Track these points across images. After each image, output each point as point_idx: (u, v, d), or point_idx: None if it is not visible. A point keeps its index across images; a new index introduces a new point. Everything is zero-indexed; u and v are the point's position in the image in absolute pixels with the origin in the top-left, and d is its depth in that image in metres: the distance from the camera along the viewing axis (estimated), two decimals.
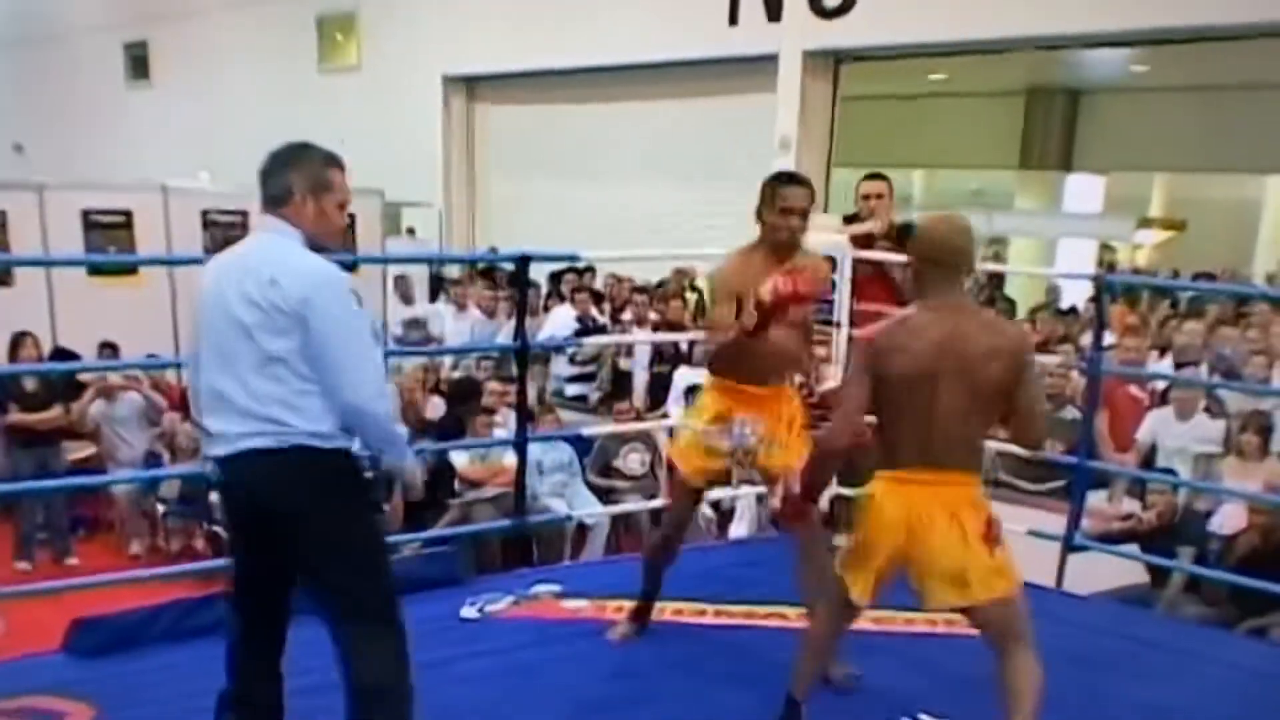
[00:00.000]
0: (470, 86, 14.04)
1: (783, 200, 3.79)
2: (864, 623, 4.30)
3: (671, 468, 4.14)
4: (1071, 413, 6.40)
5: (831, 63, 10.82)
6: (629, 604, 4.45)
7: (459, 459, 6.65)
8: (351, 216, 11.20)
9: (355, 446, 2.90)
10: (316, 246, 2.89)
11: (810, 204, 3.83)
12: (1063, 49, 10.75)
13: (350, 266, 10.08)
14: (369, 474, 3.00)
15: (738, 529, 6.77)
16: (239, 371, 2.79)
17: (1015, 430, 3.18)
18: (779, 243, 3.79)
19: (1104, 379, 5.22)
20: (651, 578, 4.17)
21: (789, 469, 3.74)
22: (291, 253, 2.83)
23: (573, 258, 7.25)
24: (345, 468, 2.88)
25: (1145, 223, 15.29)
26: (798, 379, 4.20)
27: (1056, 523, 5.06)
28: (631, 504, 6.82)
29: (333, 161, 2.93)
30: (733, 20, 10.95)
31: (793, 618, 4.34)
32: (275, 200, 2.88)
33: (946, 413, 3.00)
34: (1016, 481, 6.32)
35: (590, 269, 10.30)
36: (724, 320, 3.70)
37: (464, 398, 7.45)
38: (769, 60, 10.67)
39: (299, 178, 2.87)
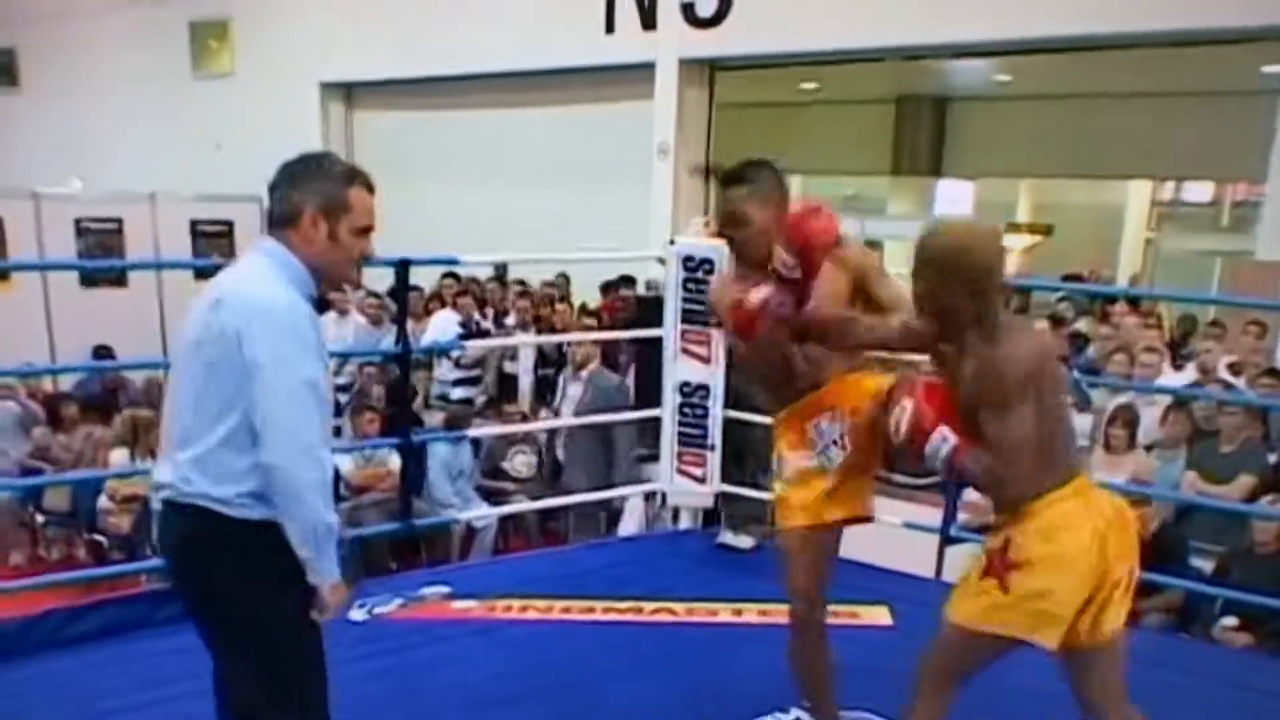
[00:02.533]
0: (348, 93, 13.93)
1: (720, 210, 3.09)
2: (751, 616, 4.44)
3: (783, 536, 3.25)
4: None
5: (707, 71, 10.98)
6: (518, 603, 4.51)
7: (343, 464, 6.61)
8: (230, 223, 11.15)
9: (263, 515, 2.41)
10: (323, 278, 2.51)
11: (748, 205, 3.00)
12: (929, 59, 11.05)
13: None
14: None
15: (626, 526, 6.84)
16: (176, 409, 2.45)
17: None
18: (739, 258, 3.14)
19: None
20: (821, 685, 3.36)
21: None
22: (254, 277, 2.43)
23: (453, 262, 7.27)
24: (251, 542, 2.40)
25: (1013, 227, 15.76)
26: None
27: (934, 515, 5.21)
28: (519, 505, 6.86)
29: (354, 178, 2.49)
30: (609, 29, 11.03)
31: (680, 613, 4.44)
32: (280, 220, 2.46)
33: (1067, 414, 2.85)
34: (893, 475, 6.47)
35: (475, 279, 10.29)
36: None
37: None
38: (646, 68, 10.79)
39: (310, 196, 2.44)
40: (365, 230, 2.50)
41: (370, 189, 2.51)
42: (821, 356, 3.11)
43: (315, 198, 2.43)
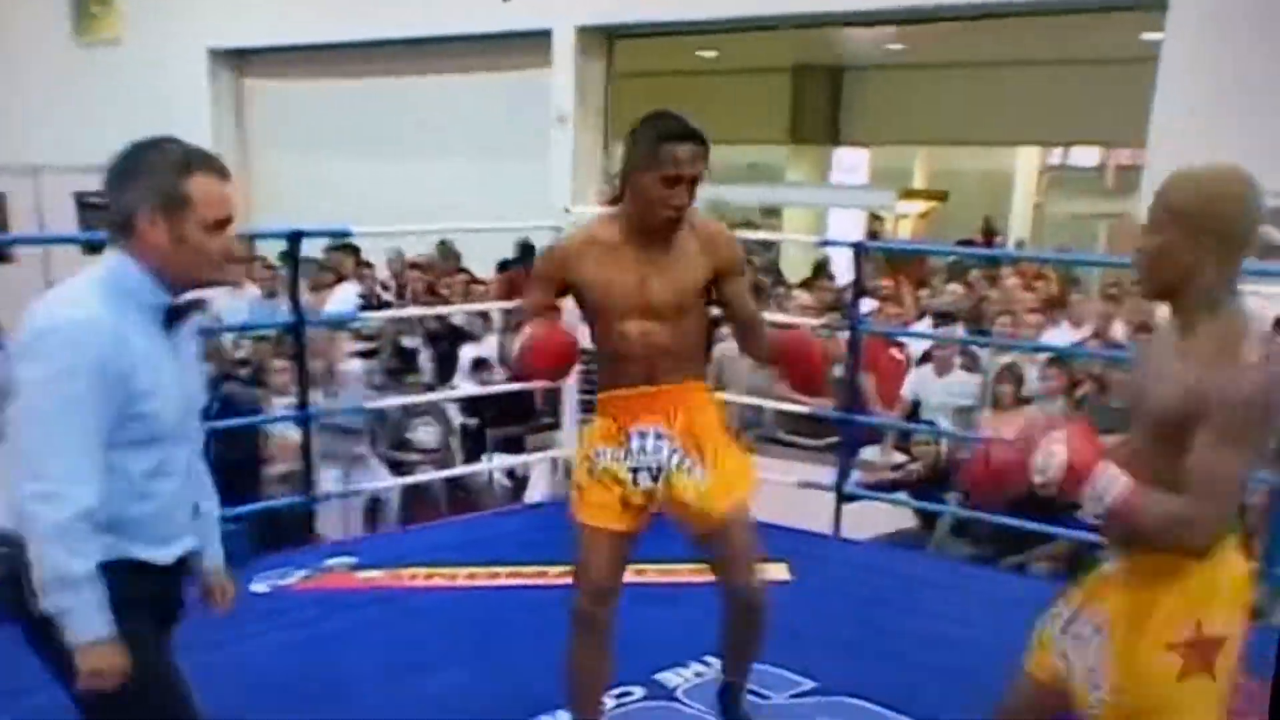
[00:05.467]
0: (239, 61, 13.66)
1: (670, 163, 2.68)
2: (653, 575, 4.51)
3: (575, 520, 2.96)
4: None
5: (605, 39, 10.99)
6: (424, 572, 4.52)
7: None
8: None
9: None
10: (183, 283, 2.16)
11: (705, 170, 2.75)
12: (824, 27, 11.18)
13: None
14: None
15: (533, 493, 6.85)
16: None
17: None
18: (655, 224, 2.74)
19: (868, 343, 5.52)
20: (589, 696, 3.10)
21: (727, 514, 2.86)
22: (58, 294, 2.11)
23: (346, 233, 7.21)
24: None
25: (909, 194, 16.03)
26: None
27: (829, 474, 5.34)
28: (424, 475, 6.85)
29: (191, 166, 2.11)
30: None
31: None
32: (116, 229, 2.12)
33: None
34: (793, 438, 6.61)
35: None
36: (531, 310, 2.92)
37: None
38: (544, 35, 10.76)
39: (142, 194, 2.09)
40: (220, 224, 2.13)
41: (220, 174, 2.15)
42: (666, 351, 2.83)
43: (148, 196, 2.08)
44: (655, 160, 2.68)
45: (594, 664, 3.00)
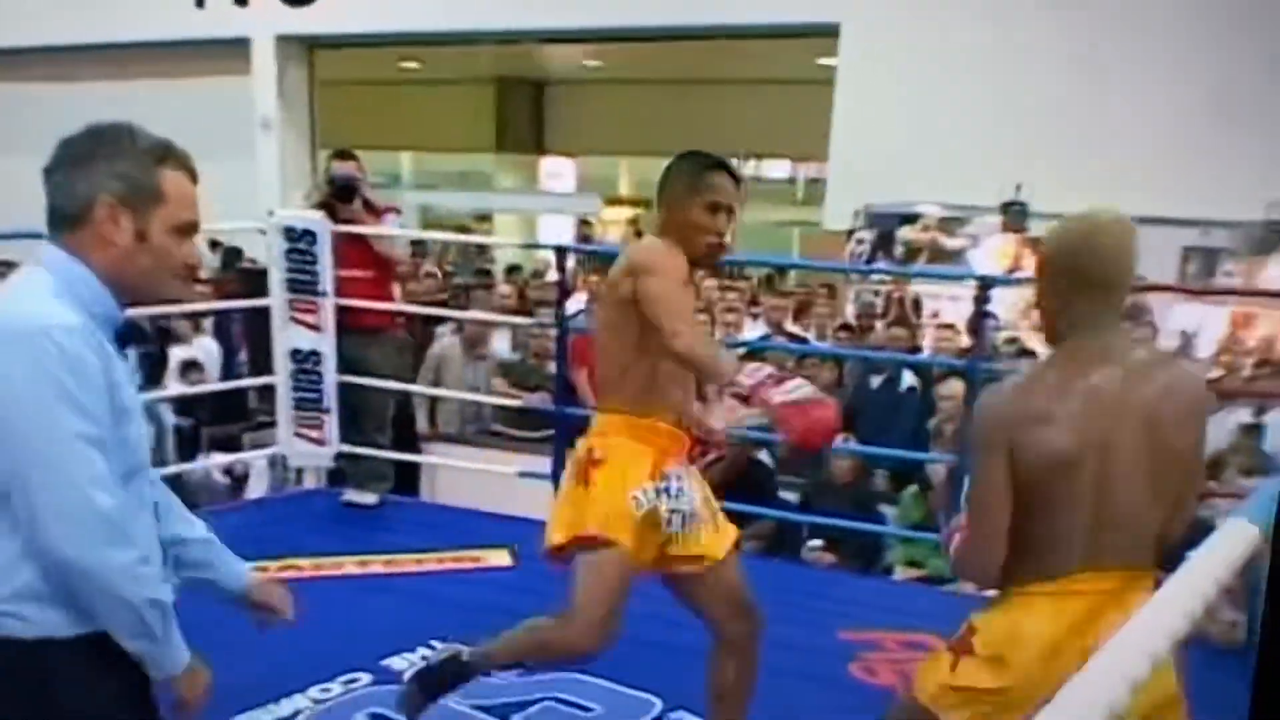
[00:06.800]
0: None
1: (712, 192, 2.70)
2: (377, 566, 4.58)
3: (591, 542, 2.71)
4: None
5: (306, 48, 10.92)
6: None
7: None
8: None
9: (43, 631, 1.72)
10: (132, 296, 1.80)
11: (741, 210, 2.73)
12: (523, 43, 11.46)
13: None
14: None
15: (253, 490, 6.74)
16: None
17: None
18: (698, 254, 2.72)
19: (578, 340, 5.74)
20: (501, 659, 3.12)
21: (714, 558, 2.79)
22: (10, 294, 1.75)
23: (37, 235, 6.91)
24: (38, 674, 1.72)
25: (614, 201, 16.53)
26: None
27: (546, 464, 5.50)
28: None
29: (167, 157, 1.78)
30: (199, 3, 10.79)
31: (307, 568, 4.50)
32: (64, 217, 1.75)
33: (1124, 495, 2.09)
34: (509, 430, 6.76)
35: None
36: (707, 348, 2.65)
37: None
38: (243, 43, 10.60)
39: (104, 181, 1.73)
40: (187, 228, 1.80)
41: (193, 174, 1.83)
42: (689, 390, 2.76)
43: (112, 183, 1.73)
44: (699, 188, 2.71)
45: None
